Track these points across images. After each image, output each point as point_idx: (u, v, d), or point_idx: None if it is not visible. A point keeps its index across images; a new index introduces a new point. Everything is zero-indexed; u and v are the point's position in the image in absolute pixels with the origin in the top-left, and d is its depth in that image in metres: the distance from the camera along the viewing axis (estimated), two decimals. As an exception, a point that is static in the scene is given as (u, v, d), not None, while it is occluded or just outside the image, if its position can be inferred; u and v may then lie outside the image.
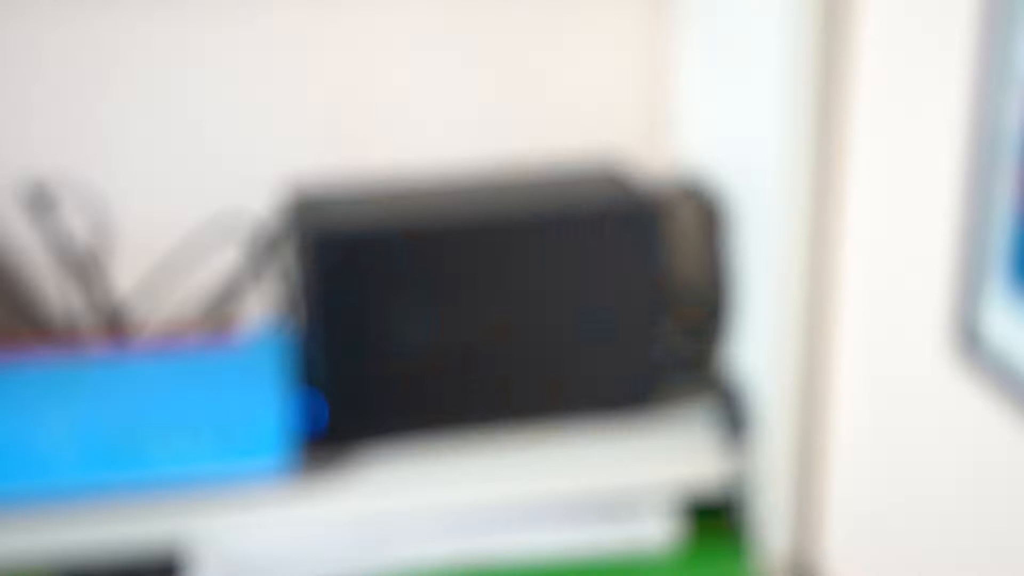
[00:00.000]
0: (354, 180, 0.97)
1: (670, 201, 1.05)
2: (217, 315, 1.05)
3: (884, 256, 0.80)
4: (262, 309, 1.05)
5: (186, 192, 1.03)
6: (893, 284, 0.79)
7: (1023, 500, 0.67)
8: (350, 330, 0.89)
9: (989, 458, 0.69)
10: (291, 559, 0.87)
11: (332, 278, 0.88)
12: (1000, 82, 0.63)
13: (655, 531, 0.91)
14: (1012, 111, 0.62)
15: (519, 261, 0.90)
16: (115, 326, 1.03)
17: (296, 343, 0.92)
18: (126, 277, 1.04)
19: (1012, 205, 0.63)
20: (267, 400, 0.89)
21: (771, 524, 0.92)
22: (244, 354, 0.95)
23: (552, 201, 0.91)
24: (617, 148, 1.06)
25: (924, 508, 0.78)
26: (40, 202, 0.99)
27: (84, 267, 1.02)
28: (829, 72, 0.83)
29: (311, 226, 0.88)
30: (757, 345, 0.91)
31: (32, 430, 0.86)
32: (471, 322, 0.90)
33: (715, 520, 0.96)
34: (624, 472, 0.90)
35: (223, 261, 1.04)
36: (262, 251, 1.02)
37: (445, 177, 0.96)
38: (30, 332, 1.03)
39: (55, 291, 1.03)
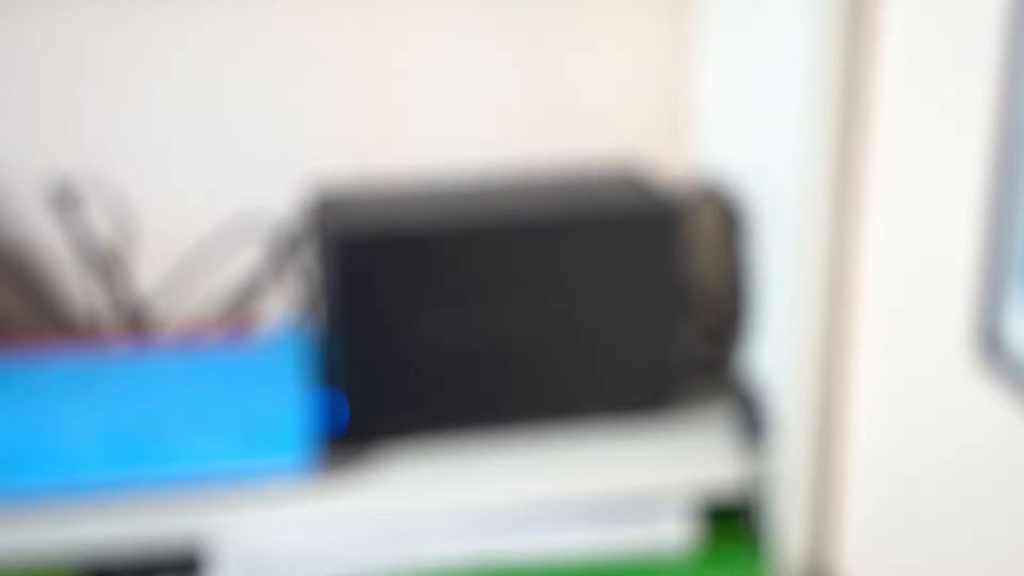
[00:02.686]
0: (376, 181, 0.98)
1: (690, 204, 1.06)
2: (238, 314, 1.06)
3: (905, 260, 0.80)
4: (283, 308, 1.06)
5: (208, 191, 1.03)
6: (914, 288, 0.79)
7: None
8: (370, 330, 0.89)
9: (1009, 464, 0.69)
10: (311, 557, 0.87)
11: (353, 278, 0.88)
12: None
13: (672, 533, 0.91)
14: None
15: (539, 263, 0.90)
16: (137, 324, 1.04)
17: (317, 342, 0.93)
18: (148, 275, 1.04)
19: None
20: (288, 398, 0.89)
21: (788, 527, 0.92)
22: (265, 352, 0.96)
23: (572, 203, 0.91)
24: (637, 151, 1.06)
25: (942, 513, 0.78)
26: (64, 200, 1.00)
27: (107, 265, 1.03)
28: (851, 75, 0.83)
29: (333, 226, 0.88)
30: (776, 348, 0.91)
31: (55, 426, 0.87)
32: (491, 323, 0.90)
33: (732, 523, 0.96)
34: (641, 474, 0.90)
35: (244, 260, 1.05)
36: (283, 250, 1.03)
37: (466, 179, 0.97)
38: (54, 328, 1.04)
39: (78, 288, 1.04)
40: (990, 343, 0.68)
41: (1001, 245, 0.66)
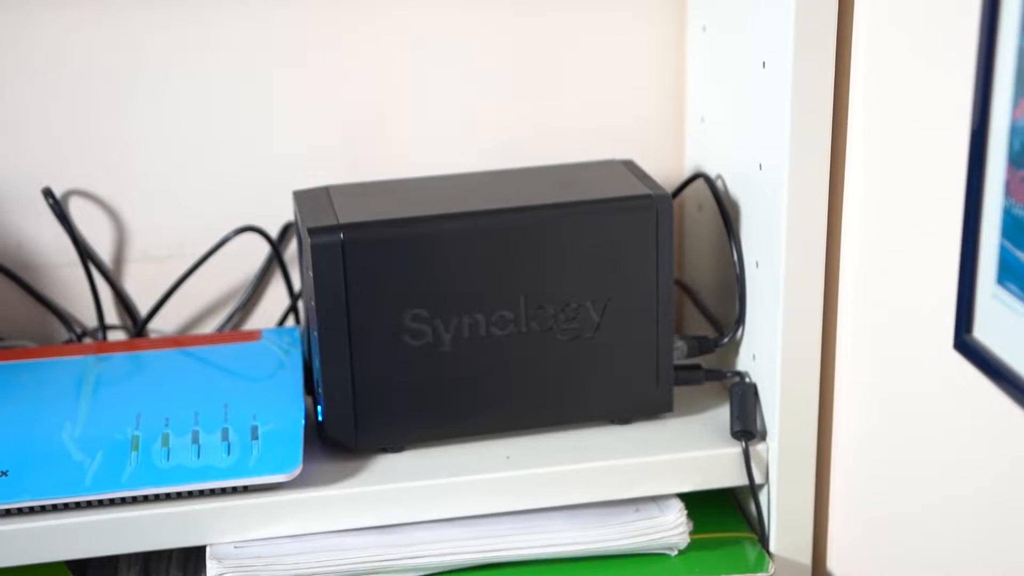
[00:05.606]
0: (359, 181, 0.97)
1: (683, 203, 1.06)
2: (235, 321, 1.06)
3: (889, 258, 0.81)
4: (279, 315, 1.06)
5: (205, 201, 1.03)
6: (897, 282, 0.80)
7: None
8: (359, 331, 0.87)
9: (997, 456, 0.70)
10: (303, 561, 0.87)
11: (329, 270, 0.86)
12: (995, 83, 0.64)
13: (665, 531, 0.91)
14: (1003, 110, 0.63)
15: (528, 253, 0.88)
16: (134, 334, 1.04)
17: (310, 347, 0.92)
18: (145, 283, 1.05)
19: (1001, 205, 0.64)
20: (283, 405, 0.90)
21: (781, 524, 0.93)
22: (260, 360, 0.96)
23: (566, 190, 0.90)
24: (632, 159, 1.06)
25: (930, 507, 0.79)
26: (59, 212, 1.00)
27: (103, 272, 1.03)
28: (840, 77, 0.84)
29: (311, 220, 0.87)
30: (769, 345, 0.91)
31: (53, 428, 0.88)
32: (484, 321, 0.89)
33: (726, 519, 0.96)
34: (636, 471, 0.91)
35: (242, 269, 1.05)
36: (279, 258, 1.03)
37: (453, 176, 0.96)
38: (54, 334, 1.05)
39: (75, 295, 1.04)
40: (967, 336, 0.69)
41: (976, 238, 0.67)
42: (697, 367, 0.96)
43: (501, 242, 0.88)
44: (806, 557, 0.94)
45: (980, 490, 0.72)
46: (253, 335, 1.00)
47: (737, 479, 0.92)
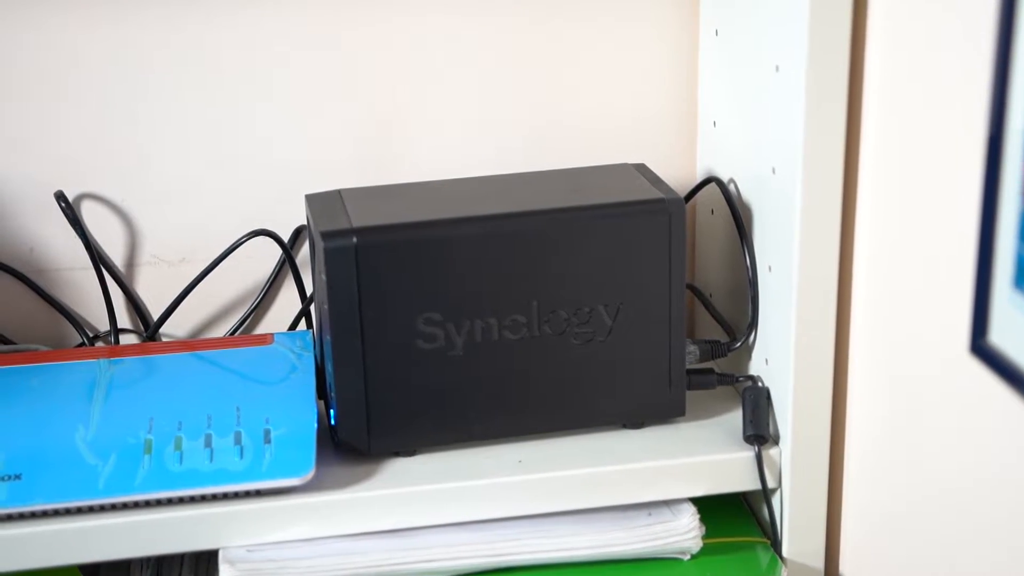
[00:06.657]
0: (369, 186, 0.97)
1: (695, 207, 1.06)
2: (248, 329, 1.06)
3: (903, 261, 0.81)
4: (290, 319, 1.06)
5: (216, 206, 1.03)
6: (912, 286, 0.80)
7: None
8: (371, 334, 0.88)
9: (1012, 461, 0.70)
10: (315, 565, 0.87)
11: (341, 274, 0.86)
12: (1011, 85, 0.64)
13: (678, 535, 0.91)
14: (1019, 112, 0.63)
15: (540, 257, 0.88)
16: (146, 338, 1.04)
17: (321, 350, 0.93)
18: (158, 292, 1.05)
19: (1018, 208, 0.64)
20: (295, 408, 0.90)
21: (794, 528, 0.93)
22: (272, 363, 0.96)
23: (577, 193, 0.90)
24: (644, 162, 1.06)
25: (944, 512, 0.78)
26: (72, 217, 1.00)
27: (115, 276, 1.04)
28: (854, 79, 0.84)
29: (321, 223, 0.87)
30: (782, 349, 0.91)
31: (66, 432, 0.88)
32: (493, 326, 0.89)
33: (738, 523, 0.96)
34: (648, 475, 0.91)
35: (255, 279, 1.05)
36: (290, 262, 1.04)
37: (463, 180, 0.96)
38: (65, 338, 1.05)
39: (86, 299, 1.04)
40: (983, 343, 0.68)
41: (991, 240, 0.67)
42: (710, 371, 0.96)
43: (514, 246, 0.88)
44: (818, 562, 0.94)
45: (994, 495, 0.72)
46: (265, 339, 1.00)
47: (750, 483, 0.92)
